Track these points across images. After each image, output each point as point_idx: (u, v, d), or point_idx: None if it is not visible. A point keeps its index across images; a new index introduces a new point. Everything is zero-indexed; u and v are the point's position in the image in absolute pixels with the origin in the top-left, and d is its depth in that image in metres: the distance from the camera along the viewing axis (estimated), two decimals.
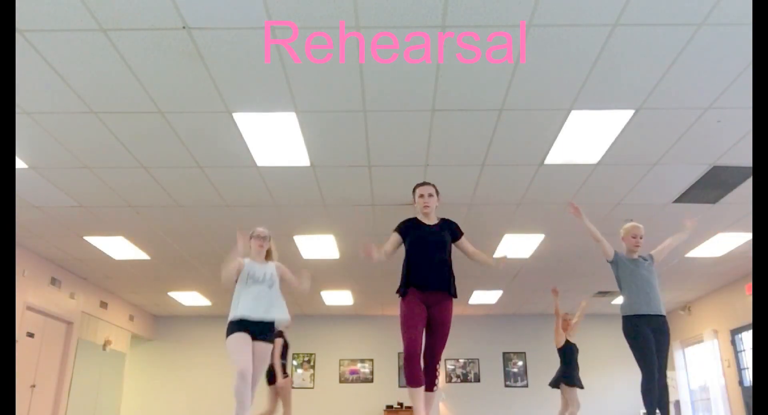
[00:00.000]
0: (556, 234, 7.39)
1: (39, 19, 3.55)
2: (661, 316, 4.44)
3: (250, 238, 4.42)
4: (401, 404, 11.33)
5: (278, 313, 4.26)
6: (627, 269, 4.57)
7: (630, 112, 4.65)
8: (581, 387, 7.08)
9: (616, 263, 4.62)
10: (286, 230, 7.23)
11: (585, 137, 5.04)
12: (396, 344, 12.77)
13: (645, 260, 4.64)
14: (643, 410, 11.03)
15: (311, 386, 11.92)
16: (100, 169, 5.58)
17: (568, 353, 7.14)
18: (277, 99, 4.44)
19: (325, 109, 4.61)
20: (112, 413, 10.77)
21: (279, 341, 6.85)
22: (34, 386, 8.28)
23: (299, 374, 12.00)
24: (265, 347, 4.21)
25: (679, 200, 6.31)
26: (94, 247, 7.80)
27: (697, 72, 4.12)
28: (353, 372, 12.06)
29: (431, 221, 3.96)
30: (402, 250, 3.95)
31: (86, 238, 7.47)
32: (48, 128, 4.83)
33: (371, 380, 12.01)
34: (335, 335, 12.24)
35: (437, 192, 4.04)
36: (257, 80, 4.19)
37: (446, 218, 4.06)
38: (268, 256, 4.46)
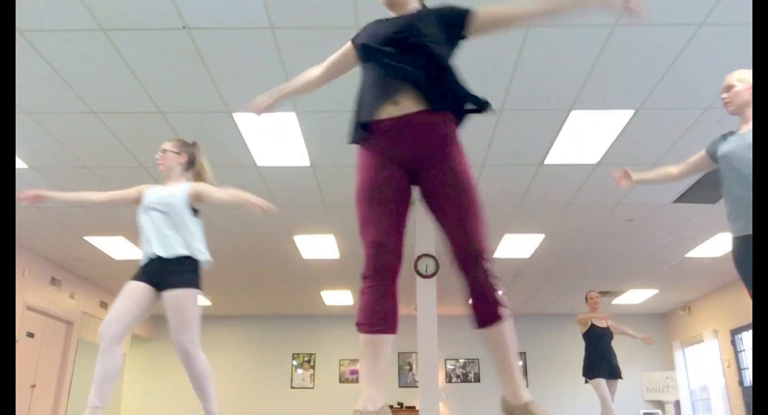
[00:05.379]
0: (556, 234, 7.39)
1: (39, 19, 3.55)
2: None
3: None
4: (401, 404, 11.32)
5: (176, 246, 2.94)
6: (730, 163, 2.77)
7: (630, 112, 4.65)
8: (586, 380, 6.25)
9: (714, 158, 2.92)
10: (286, 230, 7.23)
11: (585, 137, 5.04)
12: (396, 344, 12.81)
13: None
14: (644, 410, 11.10)
15: (311, 386, 11.92)
16: (100, 169, 5.58)
17: (586, 341, 6.27)
18: None
19: (325, 109, 4.61)
20: (112, 413, 10.77)
21: None
22: (34, 386, 8.27)
23: (299, 374, 12.00)
24: (174, 297, 2.86)
25: (679, 200, 6.31)
26: (94, 247, 7.80)
27: (697, 72, 4.12)
28: (353, 372, 12.06)
29: (402, 8, 2.05)
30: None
31: (86, 238, 7.48)
32: (48, 128, 4.83)
33: None
34: (335, 335, 12.24)
35: None
36: (257, 80, 4.19)
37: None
38: (197, 178, 3.24)
